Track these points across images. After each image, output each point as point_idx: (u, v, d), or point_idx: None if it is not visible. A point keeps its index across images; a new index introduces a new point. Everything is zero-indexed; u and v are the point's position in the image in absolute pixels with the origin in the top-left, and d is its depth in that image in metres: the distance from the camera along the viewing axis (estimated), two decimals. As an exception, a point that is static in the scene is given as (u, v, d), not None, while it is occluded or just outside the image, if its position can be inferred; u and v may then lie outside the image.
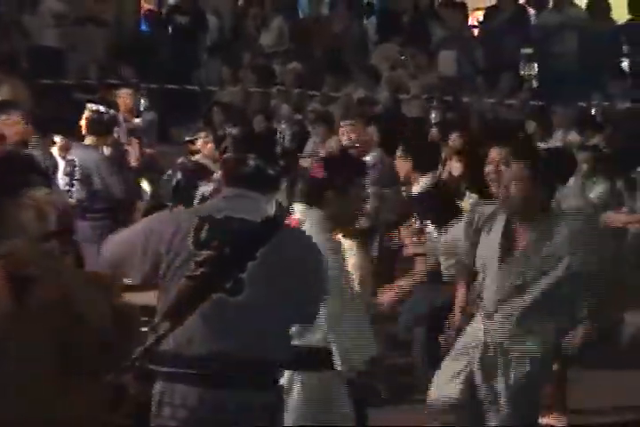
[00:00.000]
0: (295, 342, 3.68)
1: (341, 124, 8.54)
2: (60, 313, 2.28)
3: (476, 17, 13.56)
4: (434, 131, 9.72)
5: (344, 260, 4.07)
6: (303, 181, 4.37)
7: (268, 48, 13.36)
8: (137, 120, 9.58)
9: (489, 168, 5.30)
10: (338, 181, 4.10)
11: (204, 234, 3.32)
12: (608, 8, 11.07)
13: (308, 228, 3.91)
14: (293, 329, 3.66)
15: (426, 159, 6.30)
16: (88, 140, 7.12)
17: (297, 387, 3.89)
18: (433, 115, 10.83)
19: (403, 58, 12.19)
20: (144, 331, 3.16)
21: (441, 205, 6.07)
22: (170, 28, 13.99)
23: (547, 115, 9.91)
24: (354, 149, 7.56)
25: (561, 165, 5.77)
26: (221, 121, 11.14)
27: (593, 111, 10.38)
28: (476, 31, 12.83)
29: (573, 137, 9.13)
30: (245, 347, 3.29)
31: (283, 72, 12.82)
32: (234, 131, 7.53)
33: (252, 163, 3.46)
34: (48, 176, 6.45)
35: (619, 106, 10.06)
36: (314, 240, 3.57)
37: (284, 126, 11.41)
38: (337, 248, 4.01)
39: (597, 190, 7.94)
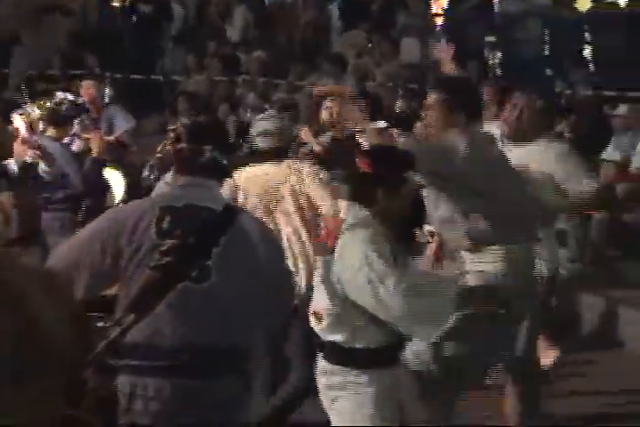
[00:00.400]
0: (355, 344, 3.71)
1: (327, 100, 8.43)
2: (14, 316, 2.26)
3: (440, 5, 13.56)
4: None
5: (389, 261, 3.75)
6: (349, 177, 4.00)
7: (234, 40, 13.31)
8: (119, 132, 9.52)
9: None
10: (388, 178, 3.79)
11: (166, 223, 3.33)
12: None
13: (349, 227, 3.77)
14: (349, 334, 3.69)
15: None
16: (49, 132, 7.10)
17: (367, 388, 3.78)
18: (398, 103, 10.84)
19: (370, 45, 12.18)
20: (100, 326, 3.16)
21: None
22: (134, 18, 13.91)
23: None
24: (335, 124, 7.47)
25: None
26: (186, 110, 11.11)
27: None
28: (439, 19, 12.83)
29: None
30: (215, 334, 3.29)
31: (248, 61, 12.80)
32: (186, 121, 7.47)
33: (207, 154, 3.49)
34: (11, 178, 6.45)
35: (581, 93, 10.13)
36: (357, 242, 3.60)
37: (249, 115, 11.40)
38: (382, 251, 3.72)
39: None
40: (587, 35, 11.30)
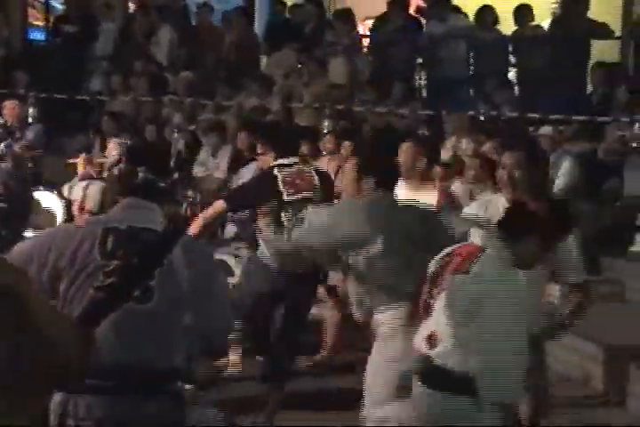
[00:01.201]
0: (446, 364, 3.65)
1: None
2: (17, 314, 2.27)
3: (367, 25, 13.64)
4: (326, 139, 9.79)
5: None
6: (514, 213, 3.93)
7: (160, 60, 13.21)
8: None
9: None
10: (557, 230, 3.88)
11: (109, 245, 3.39)
12: (494, 18, 11.27)
13: (491, 258, 3.77)
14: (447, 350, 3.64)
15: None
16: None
17: (435, 409, 3.75)
18: (325, 123, 10.88)
19: (300, 66, 12.21)
20: None
21: None
22: (58, 38, 13.76)
23: (439, 123, 10.04)
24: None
25: None
26: (112, 131, 11.02)
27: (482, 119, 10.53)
28: (366, 40, 12.89)
29: (465, 145, 9.26)
30: (154, 354, 3.33)
31: (174, 81, 12.74)
32: (129, 142, 7.51)
33: (141, 175, 3.56)
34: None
35: (506, 114, 10.24)
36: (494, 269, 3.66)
37: (176, 136, 11.34)
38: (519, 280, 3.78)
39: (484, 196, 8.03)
40: (511, 57, 11.46)
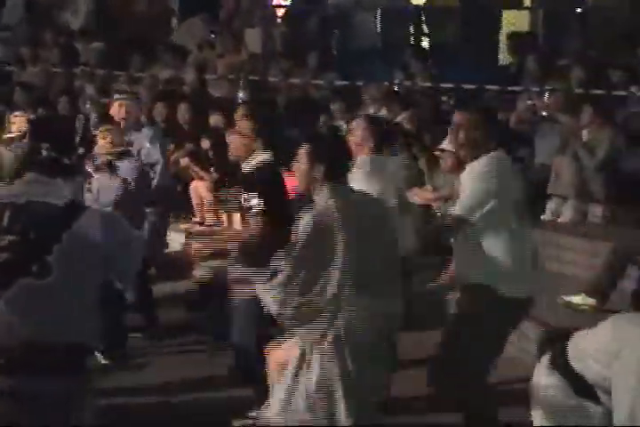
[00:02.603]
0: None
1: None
2: None
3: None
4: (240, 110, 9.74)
5: None
6: None
7: (76, 28, 12.99)
8: None
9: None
10: None
11: (6, 220, 3.31)
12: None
13: None
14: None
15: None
16: None
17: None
18: (240, 94, 10.85)
19: (212, 36, 12.13)
20: None
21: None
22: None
23: (354, 93, 10.07)
24: None
25: None
26: (24, 103, 10.84)
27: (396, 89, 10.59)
28: (281, 10, 12.87)
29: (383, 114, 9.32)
30: (53, 331, 3.25)
31: (85, 51, 12.55)
32: (32, 117, 7.35)
33: (44, 153, 3.49)
34: None
35: (420, 84, 10.32)
36: None
37: (88, 107, 11.20)
38: None
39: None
40: (425, 27, 11.54)
